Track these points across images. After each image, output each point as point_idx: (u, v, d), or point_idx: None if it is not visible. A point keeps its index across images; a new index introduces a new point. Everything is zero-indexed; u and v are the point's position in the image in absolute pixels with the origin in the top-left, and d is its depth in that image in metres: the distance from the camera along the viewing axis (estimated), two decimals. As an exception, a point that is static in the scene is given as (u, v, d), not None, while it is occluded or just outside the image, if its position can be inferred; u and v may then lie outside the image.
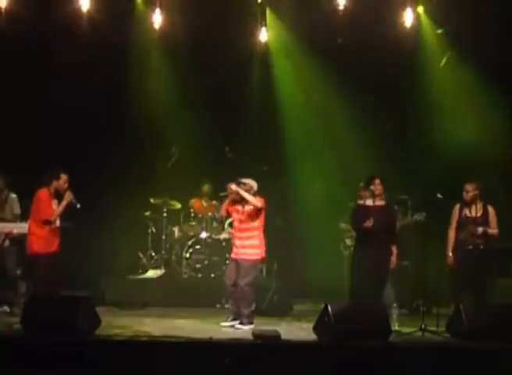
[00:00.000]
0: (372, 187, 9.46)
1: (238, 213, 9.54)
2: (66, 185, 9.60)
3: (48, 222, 9.48)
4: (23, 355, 7.33)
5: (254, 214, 9.43)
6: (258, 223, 9.47)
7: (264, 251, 9.53)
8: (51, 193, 9.59)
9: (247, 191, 9.43)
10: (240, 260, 9.43)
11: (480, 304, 9.27)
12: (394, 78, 12.16)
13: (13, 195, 10.27)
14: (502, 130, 11.90)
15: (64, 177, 9.58)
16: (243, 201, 9.46)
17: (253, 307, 9.37)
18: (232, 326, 9.27)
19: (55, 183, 9.57)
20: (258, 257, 9.48)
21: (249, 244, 9.41)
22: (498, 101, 11.87)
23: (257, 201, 9.34)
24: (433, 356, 7.82)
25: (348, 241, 11.41)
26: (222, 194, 9.74)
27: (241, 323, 9.25)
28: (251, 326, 9.16)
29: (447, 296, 9.66)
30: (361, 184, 10.01)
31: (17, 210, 10.21)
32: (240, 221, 9.51)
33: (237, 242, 9.51)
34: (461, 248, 9.61)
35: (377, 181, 9.48)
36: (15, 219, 10.14)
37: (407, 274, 11.15)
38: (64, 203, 9.50)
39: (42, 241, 9.50)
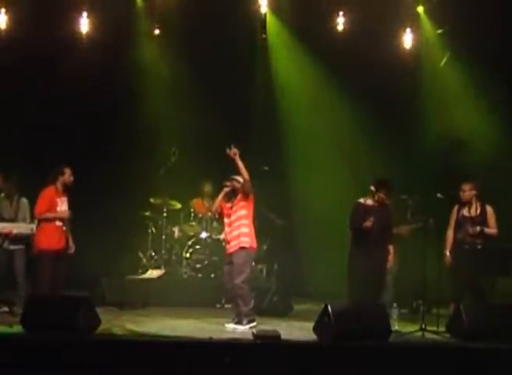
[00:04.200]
0: (382, 194, 9.44)
1: (228, 210, 9.55)
2: (72, 178, 9.71)
3: (36, 217, 9.59)
4: (23, 355, 7.33)
5: (243, 203, 9.44)
6: (246, 212, 9.45)
7: (254, 241, 9.46)
8: (59, 190, 9.68)
9: (238, 187, 9.46)
10: (232, 253, 9.41)
11: (480, 304, 9.28)
12: (394, 78, 12.16)
13: (25, 200, 10.10)
14: (502, 130, 11.91)
15: (68, 171, 9.70)
16: (234, 196, 9.48)
17: (251, 304, 9.31)
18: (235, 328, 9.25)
19: (61, 179, 9.68)
20: (247, 245, 9.36)
21: (238, 234, 9.38)
22: (498, 101, 11.87)
23: (246, 174, 9.30)
24: (433, 356, 7.82)
25: None
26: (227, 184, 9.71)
27: (240, 323, 9.24)
28: (252, 324, 9.14)
29: (447, 296, 9.66)
30: (372, 187, 9.91)
31: (30, 216, 10.04)
32: (229, 215, 9.51)
33: (228, 237, 9.51)
34: (459, 247, 9.62)
35: (385, 189, 9.46)
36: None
37: (406, 274, 11.15)
38: (58, 216, 9.59)
39: (44, 238, 9.55)
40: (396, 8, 11.82)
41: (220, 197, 9.61)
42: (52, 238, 9.57)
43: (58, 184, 9.67)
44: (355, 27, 11.87)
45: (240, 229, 9.39)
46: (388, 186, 9.48)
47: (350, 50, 12.10)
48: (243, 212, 9.45)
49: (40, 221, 9.64)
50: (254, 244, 9.49)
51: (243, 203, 9.46)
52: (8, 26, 11.33)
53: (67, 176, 9.69)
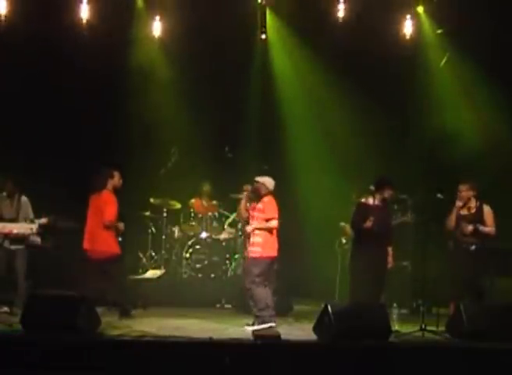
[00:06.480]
0: (385, 194, 9.44)
1: (253, 210, 9.44)
2: (121, 181, 9.72)
3: (108, 223, 9.56)
4: (23, 355, 7.33)
5: (259, 211, 9.33)
6: (263, 220, 9.31)
7: (268, 251, 9.25)
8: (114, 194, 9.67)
9: (258, 189, 9.35)
10: (247, 258, 9.45)
11: (480, 304, 9.28)
12: (394, 78, 12.17)
13: (25, 199, 10.04)
14: (502, 130, 11.91)
15: (117, 174, 9.71)
16: (258, 198, 9.37)
17: (261, 305, 9.09)
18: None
19: (111, 183, 9.66)
20: (258, 255, 9.22)
21: (253, 242, 9.30)
22: (498, 101, 11.88)
23: (270, 224, 9.24)
24: (433, 356, 7.82)
25: (344, 240, 11.55)
26: (233, 195, 9.68)
27: (253, 324, 9.16)
28: (265, 326, 8.94)
29: (447, 296, 9.66)
30: (371, 187, 9.91)
31: (31, 215, 10.00)
32: (253, 218, 9.40)
33: (249, 240, 9.46)
34: (455, 247, 9.62)
35: (390, 187, 9.47)
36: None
37: (407, 274, 11.17)
38: (118, 226, 9.67)
39: (116, 243, 9.69)
40: (396, 7, 11.84)
41: (243, 203, 9.58)
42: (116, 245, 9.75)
43: (110, 188, 9.65)
44: (355, 25, 11.86)
45: (256, 237, 9.31)
46: (385, 185, 9.47)
47: (350, 50, 12.11)
48: (259, 219, 9.33)
49: (105, 227, 9.60)
50: (266, 254, 9.26)
51: (259, 211, 9.35)
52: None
53: (117, 179, 9.68)
